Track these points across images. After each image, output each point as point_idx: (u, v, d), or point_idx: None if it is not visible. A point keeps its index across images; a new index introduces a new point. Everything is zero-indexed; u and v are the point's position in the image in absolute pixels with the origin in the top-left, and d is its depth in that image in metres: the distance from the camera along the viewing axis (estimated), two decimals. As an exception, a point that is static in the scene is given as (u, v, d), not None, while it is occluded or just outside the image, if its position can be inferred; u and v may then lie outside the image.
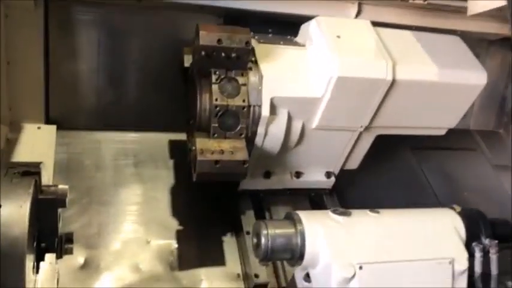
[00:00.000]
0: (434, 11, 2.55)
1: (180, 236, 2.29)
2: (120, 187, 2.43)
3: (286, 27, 2.30)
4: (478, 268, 1.89)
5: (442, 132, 2.45)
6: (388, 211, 1.89)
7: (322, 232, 1.72)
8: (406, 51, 2.14)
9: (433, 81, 2.12)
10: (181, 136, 2.65)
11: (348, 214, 1.81)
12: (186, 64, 2.24)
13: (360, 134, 2.28)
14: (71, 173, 2.40)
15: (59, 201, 1.46)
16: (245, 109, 1.97)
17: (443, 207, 2.09)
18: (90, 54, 2.51)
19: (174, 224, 2.34)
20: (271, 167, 2.32)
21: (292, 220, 1.78)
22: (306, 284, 1.85)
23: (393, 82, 2.04)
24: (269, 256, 1.78)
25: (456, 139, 2.90)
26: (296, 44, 2.22)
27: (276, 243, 1.76)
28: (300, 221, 1.75)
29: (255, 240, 1.84)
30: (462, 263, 1.79)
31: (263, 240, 1.75)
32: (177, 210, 2.40)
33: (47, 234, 1.47)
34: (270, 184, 2.36)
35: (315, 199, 2.53)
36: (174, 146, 2.68)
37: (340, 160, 2.42)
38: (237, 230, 2.35)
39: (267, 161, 2.26)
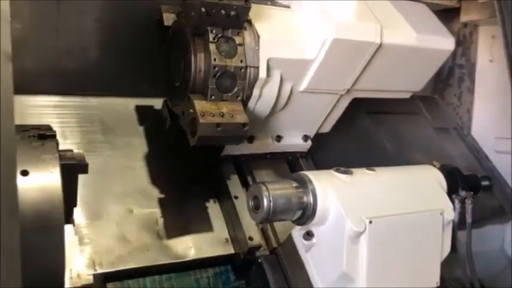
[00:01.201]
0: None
1: (162, 204, 2.20)
2: (91, 156, 2.21)
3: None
4: (456, 218, 2.08)
5: (408, 95, 2.60)
6: (381, 169, 1.98)
7: (332, 190, 1.76)
8: (387, 16, 2.21)
9: (412, 45, 2.23)
10: (148, 101, 2.53)
11: (349, 173, 1.87)
12: (166, 23, 2.11)
13: (340, 97, 2.35)
14: (35, 142, 2.17)
15: (80, 166, 1.32)
16: (243, 70, 1.92)
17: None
18: (47, 11, 2.23)
19: (154, 193, 2.23)
20: (255, 131, 2.29)
21: (299, 180, 1.80)
22: (306, 241, 1.90)
23: (380, 45, 2.11)
24: (270, 217, 1.79)
25: (401, 104, 3.07)
26: (280, 5, 2.19)
27: (278, 204, 1.77)
28: (310, 181, 1.77)
29: (252, 203, 1.84)
30: (450, 213, 1.95)
31: (265, 202, 1.75)
32: (155, 178, 2.28)
33: (67, 204, 1.33)
34: (253, 148, 2.34)
35: (291, 162, 2.57)
36: (142, 111, 2.53)
37: (317, 123, 2.46)
38: (221, 196, 2.31)
39: (253, 125, 2.22)
